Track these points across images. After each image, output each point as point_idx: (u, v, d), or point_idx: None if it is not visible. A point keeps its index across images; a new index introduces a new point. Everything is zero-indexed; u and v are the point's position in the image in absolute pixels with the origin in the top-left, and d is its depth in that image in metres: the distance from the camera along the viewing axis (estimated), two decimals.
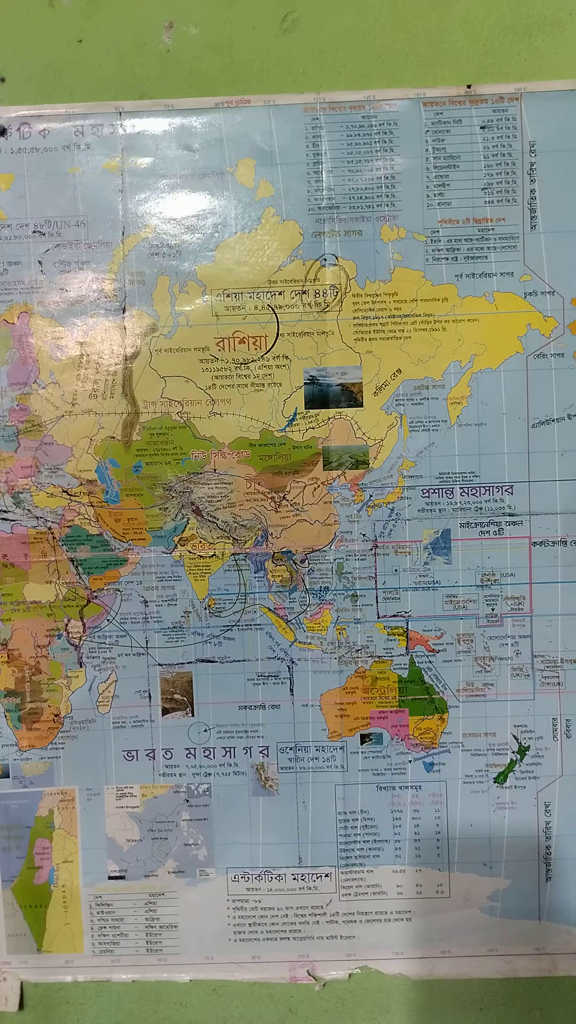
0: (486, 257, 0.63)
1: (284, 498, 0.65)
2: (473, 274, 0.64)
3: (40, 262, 0.64)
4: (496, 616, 0.66)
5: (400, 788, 0.66)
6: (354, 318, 0.64)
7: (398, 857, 0.67)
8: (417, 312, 0.64)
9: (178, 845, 0.67)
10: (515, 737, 0.66)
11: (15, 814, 0.67)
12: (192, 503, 0.65)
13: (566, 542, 0.65)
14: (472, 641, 0.66)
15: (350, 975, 0.67)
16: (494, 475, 0.65)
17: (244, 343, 0.64)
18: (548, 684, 0.66)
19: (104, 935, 0.68)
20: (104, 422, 0.65)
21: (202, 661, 0.66)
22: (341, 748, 0.66)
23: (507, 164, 0.63)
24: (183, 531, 0.65)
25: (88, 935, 0.68)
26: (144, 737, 0.67)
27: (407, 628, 0.66)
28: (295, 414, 0.65)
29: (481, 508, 0.65)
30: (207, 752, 0.67)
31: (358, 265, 0.63)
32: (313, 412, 0.64)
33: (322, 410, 0.64)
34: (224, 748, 0.67)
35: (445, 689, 0.66)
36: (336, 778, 0.67)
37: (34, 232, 0.64)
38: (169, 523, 0.65)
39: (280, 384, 0.64)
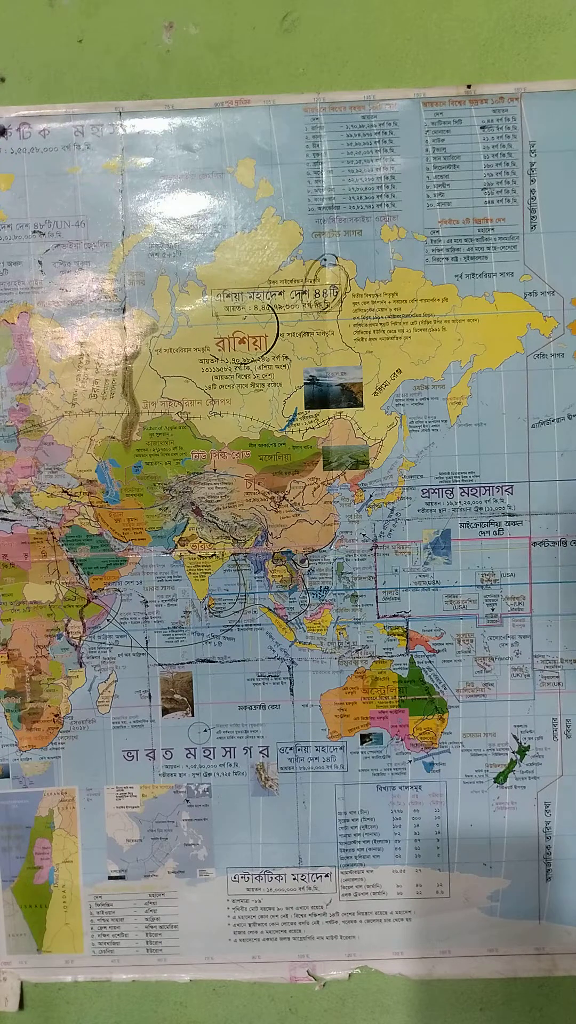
0: (486, 257, 0.63)
1: (284, 498, 0.65)
2: (473, 274, 0.64)
3: (40, 262, 0.64)
4: (496, 616, 0.66)
5: (400, 788, 0.66)
6: (354, 318, 0.64)
7: (398, 857, 0.67)
8: (417, 312, 0.64)
9: (178, 845, 0.67)
10: (515, 737, 0.66)
11: (15, 814, 0.67)
12: (192, 503, 0.65)
13: (566, 542, 0.65)
14: (472, 641, 0.66)
15: (350, 975, 0.67)
16: (494, 475, 0.65)
17: (244, 343, 0.64)
18: (548, 684, 0.66)
19: (104, 935, 0.68)
20: (104, 422, 0.65)
21: (202, 661, 0.66)
22: (341, 748, 0.66)
23: (507, 164, 0.63)
24: (183, 531, 0.65)
25: (88, 935, 0.68)
26: (144, 737, 0.67)
27: (407, 628, 0.66)
28: (295, 414, 0.65)
29: (481, 508, 0.65)
30: (207, 752, 0.67)
31: (358, 265, 0.63)
32: (313, 412, 0.64)
33: (322, 410, 0.64)
34: (224, 748, 0.67)
35: (445, 689, 0.66)
36: (336, 778, 0.67)
37: (34, 232, 0.64)
38: (169, 523, 0.65)
39: (280, 384, 0.64)
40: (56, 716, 0.67)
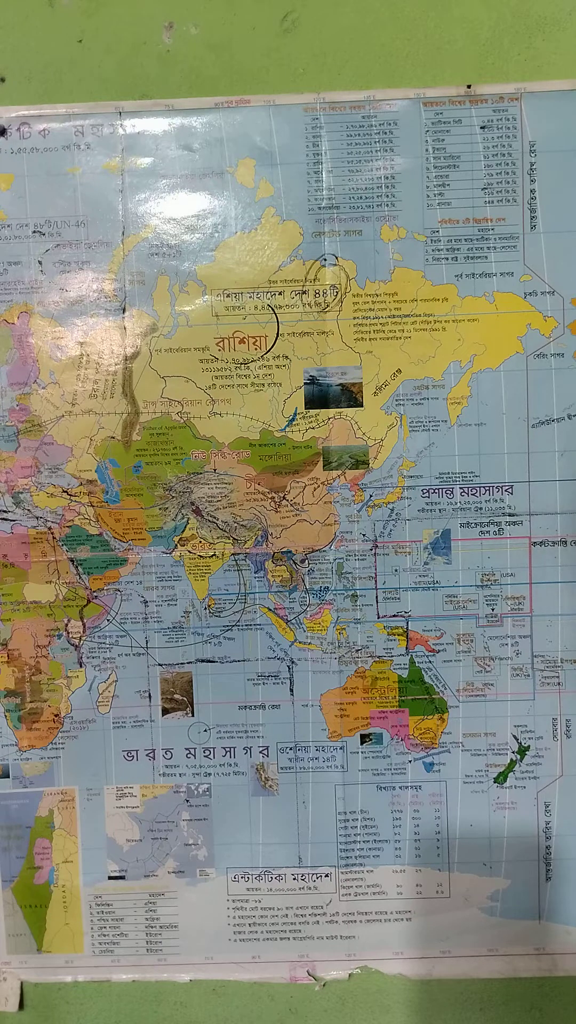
0: (486, 257, 0.63)
1: (284, 498, 0.65)
2: (473, 274, 0.64)
3: (40, 262, 0.64)
4: (496, 616, 0.66)
5: (400, 788, 0.66)
6: (354, 318, 0.64)
7: (398, 857, 0.67)
8: (417, 312, 0.64)
9: (178, 845, 0.67)
10: (515, 737, 0.66)
11: (15, 814, 0.67)
12: (192, 503, 0.65)
13: (566, 542, 0.65)
14: (472, 641, 0.66)
15: (350, 975, 0.67)
16: (494, 475, 0.65)
17: (244, 343, 0.64)
18: (548, 684, 0.66)
19: (104, 935, 0.68)
20: (104, 422, 0.65)
21: (202, 661, 0.66)
22: (341, 748, 0.66)
23: (507, 164, 0.63)
24: (183, 531, 0.65)
25: (88, 935, 0.68)
26: (144, 737, 0.67)
27: (407, 628, 0.66)
28: (295, 414, 0.65)
29: (481, 508, 0.65)
30: (207, 752, 0.67)
31: (358, 265, 0.63)
32: (313, 412, 0.64)
33: (322, 410, 0.64)
34: (224, 748, 0.67)
35: (445, 689, 0.66)
36: (336, 778, 0.67)
37: (34, 232, 0.64)
38: (169, 523, 0.65)
39: (280, 384, 0.64)
40: (56, 716, 0.67)
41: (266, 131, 0.63)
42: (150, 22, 0.64)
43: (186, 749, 0.67)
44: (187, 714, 0.67)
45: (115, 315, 0.64)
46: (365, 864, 0.67)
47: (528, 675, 0.66)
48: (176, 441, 0.65)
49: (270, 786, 0.67)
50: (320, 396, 0.64)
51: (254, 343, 0.64)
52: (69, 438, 0.65)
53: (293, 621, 0.66)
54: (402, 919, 0.67)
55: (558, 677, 0.66)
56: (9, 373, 0.65)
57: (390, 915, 0.67)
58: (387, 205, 0.63)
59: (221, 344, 0.64)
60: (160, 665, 0.66)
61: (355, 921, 0.67)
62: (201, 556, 0.66)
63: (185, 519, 0.65)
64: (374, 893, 0.67)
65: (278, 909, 0.67)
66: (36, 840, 0.67)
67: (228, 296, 0.64)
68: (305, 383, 0.64)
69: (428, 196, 0.63)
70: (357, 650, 0.66)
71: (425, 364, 0.64)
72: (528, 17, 0.63)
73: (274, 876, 0.67)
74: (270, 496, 0.65)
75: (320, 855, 0.67)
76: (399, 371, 0.64)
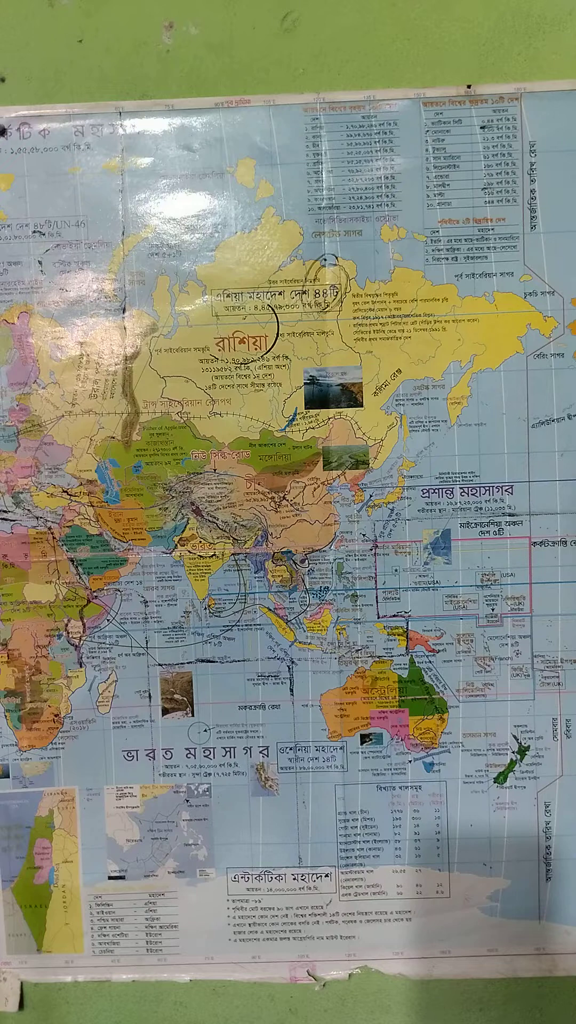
0: (486, 257, 0.63)
1: (284, 498, 0.65)
2: (473, 274, 0.64)
3: (40, 262, 0.64)
4: (496, 616, 0.66)
5: (400, 788, 0.66)
6: (354, 318, 0.64)
7: (398, 857, 0.67)
8: (417, 312, 0.64)
9: (178, 845, 0.67)
10: (515, 737, 0.66)
11: (15, 814, 0.67)
12: (192, 503, 0.65)
13: (566, 542, 0.65)
14: (472, 641, 0.66)
15: (350, 975, 0.67)
16: (494, 475, 0.65)
17: (244, 343, 0.64)
18: (548, 684, 0.66)
19: (104, 935, 0.68)
20: (104, 422, 0.65)
21: (202, 661, 0.66)
22: (341, 748, 0.66)
23: (507, 164, 0.63)
24: (183, 531, 0.65)
25: (88, 935, 0.68)
26: (144, 737, 0.67)
27: (407, 628, 0.66)
28: (295, 414, 0.65)
29: (481, 508, 0.65)
30: (207, 752, 0.67)
31: (358, 265, 0.63)
32: (313, 412, 0.64)
33: (322, 410, 0.64)
34: (224, 748, 0.67)
35: (445, 689, 0.66)
36: (336, 778, 0.67)
37: (34, 232, 0.64)
38: (169, 523, 0.65)
39: (280, 384, 0.64)
40: (56, 716, 0.67)
41: (266, 131, 0.63)
42: (150, 22, 0.64)
43: (186, 749, 0.67)
44: (187, 714, 0.67)
45: (115, 315, 0.64)
46: (365, 864, 0.67)
47: (528, 675, 0.66)
48: (176, 441, 0.65)
49: (270, 786, 0.67)
50: (320, 396, 0.64)
51: (254, 343, 0.64)
52: (69, 438, 0.65)
53: (293, 621, 0.66)
54: (402, 919, 0.67)
55: (558, 677, 0.66)
56: (9, 373, 0.65)
57: (390, 915, 0.67)
58: (387, 205, 0.63)
59: (221, 344, 0.64)
60: (160, 665, 0.66)
61: (355, 921, 0.67)
62: (201, 556, 0.66)
63: (185, 519, 0.65)
64: (374, 893, 0.67)
65: (278, 909, 0.67)
66: (36, 840, 0.67)
67: (228, 296, 0.64)
68: (305, 383, 0.64)
69: (428, 196, 0.63)
70: (357, 650, 0.66)
71: (425, 364, 0.64)
72: (528, 17, 0.63)
73: (274, 876, 0.67)
74: (270, 496, 0.65)
75: (320, 855, 0.67)
76: (399, 371, 0.64)
